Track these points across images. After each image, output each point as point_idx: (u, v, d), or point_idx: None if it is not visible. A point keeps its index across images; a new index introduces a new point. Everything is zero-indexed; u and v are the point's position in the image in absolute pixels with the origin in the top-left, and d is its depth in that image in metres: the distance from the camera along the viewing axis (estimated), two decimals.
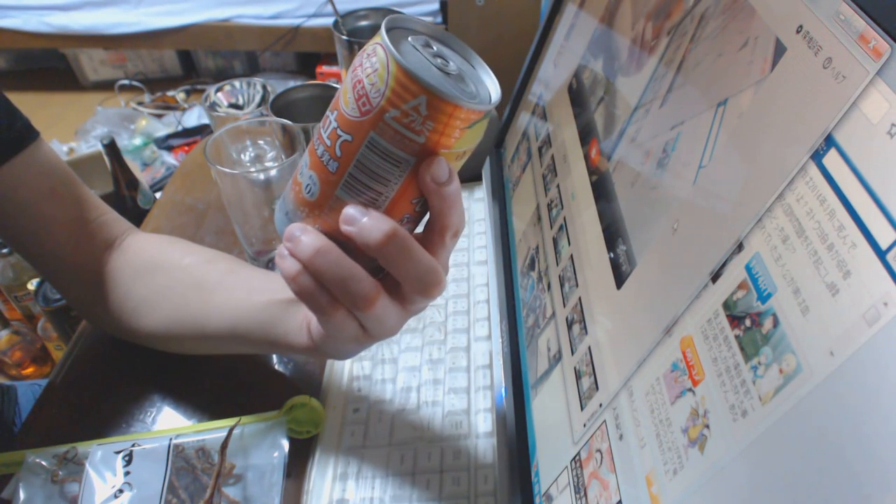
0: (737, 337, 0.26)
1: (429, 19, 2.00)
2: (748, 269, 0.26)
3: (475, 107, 0.30)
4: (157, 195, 1.22)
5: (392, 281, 0.35)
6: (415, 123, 0.29)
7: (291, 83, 2.12)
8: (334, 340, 0.37)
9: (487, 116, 0.31)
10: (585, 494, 0.36)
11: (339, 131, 0.30)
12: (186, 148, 2.03)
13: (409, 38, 0.31)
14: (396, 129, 0.29)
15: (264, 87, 0.72)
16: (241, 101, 0.72)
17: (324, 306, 0.33)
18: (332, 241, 0.32)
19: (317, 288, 0.33)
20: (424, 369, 0.55)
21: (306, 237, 0.32)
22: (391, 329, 0.36)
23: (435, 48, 0.32)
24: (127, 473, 0.47)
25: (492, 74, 0.33)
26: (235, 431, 0.49)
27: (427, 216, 0.34)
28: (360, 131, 0.30)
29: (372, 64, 0.29)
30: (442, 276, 0.34)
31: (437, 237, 0.34)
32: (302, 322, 0.41)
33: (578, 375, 0.39)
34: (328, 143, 0.31)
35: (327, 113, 0.32)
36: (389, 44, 0.28)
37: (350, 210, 0.31)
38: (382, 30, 0.29)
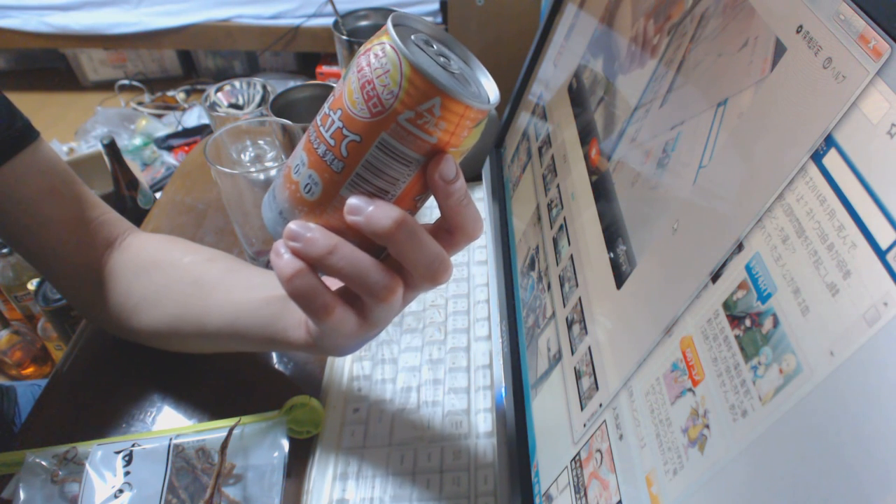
0: (737, 337, 0.26)
1: (429, 19, 2.00)
2: (748, 269, 0.26)
3: (483, 107, 0.30)
4: (157, 195, 1.22)
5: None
6: (428, 124, 0.29)
7: (291, 83, 2.12)
8: (331, 337, 0.37)
9: (489, 116, 0.31)
10: (585, 494, 0.36)
11: (345, 131, 0.30)
12: (186, 148, 2.03)
13: (412, 37, 0.31)
14: (410, 130, 0.29)
15: (264, 87, 0.72)
16: (241, 101, 0.72)
17: (317, 309, 0.33)
18: None
19: (315, 288, 0.33)
20: (424, 369, 0.55)
21: (318, 235, 0.32)
22: (393, 317, 0.36)
23: (435, 47, 0.32)
24: (127, 473, 0.47)
25: (488, 74, 0.33)
26: (235, 431, 0.49)
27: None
28: (371, 132, 0.29)
29: (382, 64, 0.29)
30: (449, 261, 0.34)
31: (444, 234, 0.34)
32: (301, 319, 0.41)
33: (578, 375, 0.40)
34: (331, 142, 0.30)
35: (327, 111, 0.31)
36: (401, 44, 0.28)
37: (355, 200, 0.31)
38: (390, 28, 0.29)
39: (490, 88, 0.32)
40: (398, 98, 0.28)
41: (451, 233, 0.34)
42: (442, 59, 0.31)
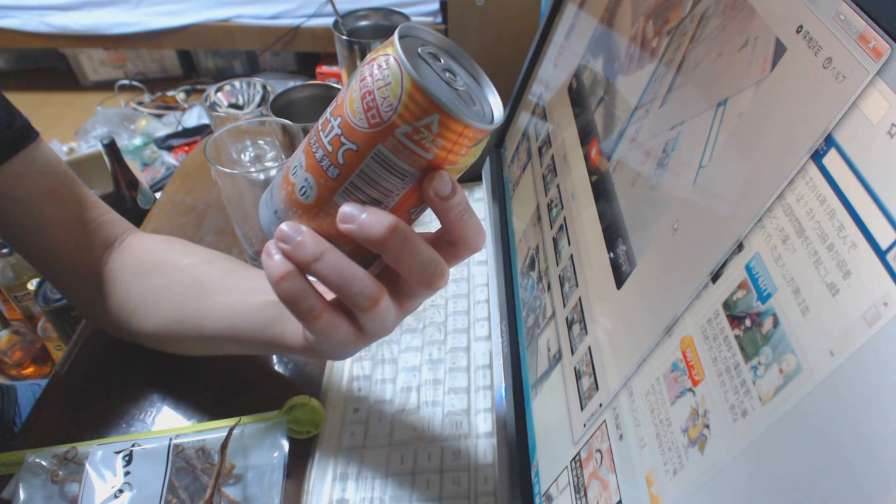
0: (737, 337, 0.26)
1: (429, 19, 2.00)
2: (748, 269, 0.26)
3: (484, 127, 0.30)
4: (157, 195, 1.22)
5: (388, 279, 0.35)
6: (425, 140, 0.29)
7: (291, 83, 2.12)
8: (325, 343, 0.37)
9: (491, 134, 0.31)
10: (585, 494, 0.36)
11: (343, 139, 0.30)
12: (186, 148, 2.03)
13: (419, 49, 0.31)
14: (406, 144, 0.29)
15: (264, 87, 0.72)
16: (241, 101, 0.72)
17: (303, 312, 0.33)
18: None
19: (302, 292, 0.33)
20: (424, 369, 0.55)
21: (308, 240, 0.32)
22: (389, 328, 0.36)
23: (443, 61, 0.31)
24: (127, 473, 0.47)
25: (495, 92, 0.33)
26: (235, 431, 0.49)
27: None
28: (367, 143, 0.29)
29: (385, 77, 0.29)
30: (445, 267, 0.33)
31: (446, 245, 0.34)
32: (298, 323, 0.41)
33: (578, 375, 0.40)
34: (329, 148, 0.30)
35: (328, 116, 0.31)
36: (404, 58, 0.28)
37: (348, 208, 0.31)
38: (396, 41, 0.29)
39: (496, 106, 0.32)
40: (397, 112, 0.28)
41: (452, 244, 0.34)
42: (448, 74, 0.31)
